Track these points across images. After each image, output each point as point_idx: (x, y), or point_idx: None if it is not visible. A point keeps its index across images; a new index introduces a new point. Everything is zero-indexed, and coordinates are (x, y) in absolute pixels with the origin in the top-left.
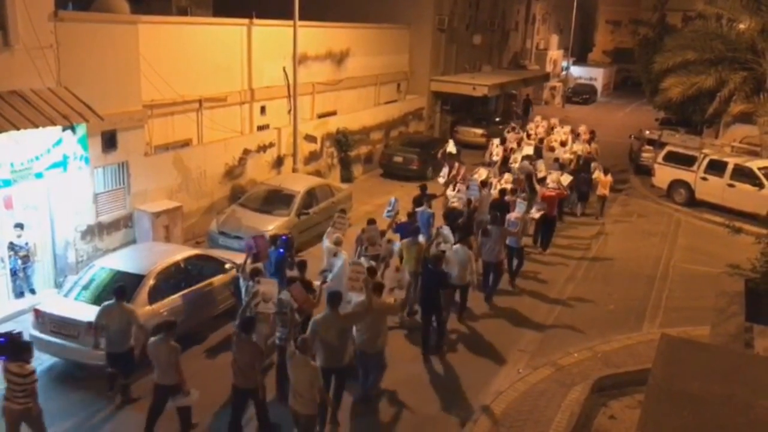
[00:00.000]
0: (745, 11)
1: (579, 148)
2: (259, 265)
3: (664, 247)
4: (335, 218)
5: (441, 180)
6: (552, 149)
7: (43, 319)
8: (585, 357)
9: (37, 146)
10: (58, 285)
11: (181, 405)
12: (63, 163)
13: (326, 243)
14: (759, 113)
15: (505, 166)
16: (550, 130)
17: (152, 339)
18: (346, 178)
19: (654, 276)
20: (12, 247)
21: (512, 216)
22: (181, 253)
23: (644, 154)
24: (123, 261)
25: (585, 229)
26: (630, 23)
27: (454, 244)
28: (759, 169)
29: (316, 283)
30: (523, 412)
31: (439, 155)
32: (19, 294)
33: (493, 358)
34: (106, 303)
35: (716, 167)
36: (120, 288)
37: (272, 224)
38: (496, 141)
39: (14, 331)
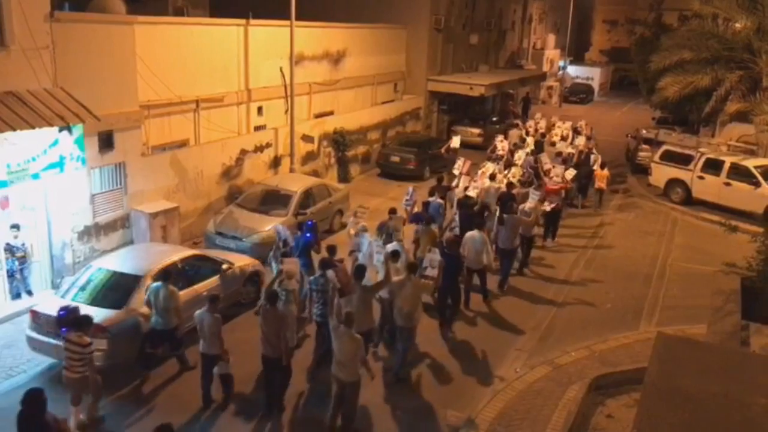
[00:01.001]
0: (741, 11)
1: (580, 142)
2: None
3: (661, 245)
4: (357, 210)
5: (456, 172)
6: (553, 144)
7: (40, 321)
8: (582, 356)
9: (34, 147)
10: (55, 286)
11: (224, 372)
12: (60, 164)
13: (351, 231)
14: (755, 112)
15: (509, 161)
16: (551, 126)
17: (198, 311)
18: (344, 178)
19: (651, 275)
20: (9, 248)
21: (526, 206)
22: (179, 253)
23: (641, 153)
24: (120, 262)
25: (586, 220)
26: (626, 23)
27: (470, 230)
28: (755, 167)
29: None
30: (520, 411)
31: (443, 151)
32: (16, 295)
33: (490, 358)
34: (154, 284)
35: (713, 166)
36: (164, 271)
37: (269, 225)
38: (501, 136)
39: (71, 306)
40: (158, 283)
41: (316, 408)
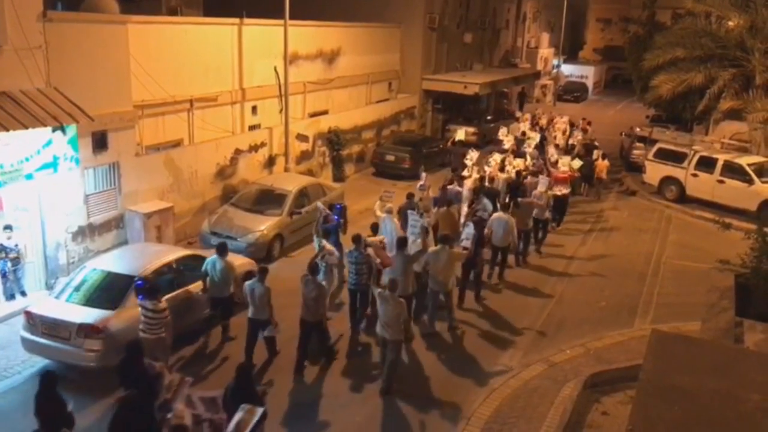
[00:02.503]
0: (734, 9)
1: (579, 136)
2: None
3: (655, 243)
4: (383, 193)
5: (468, 162)
6: (554, 137)
7: (34, 321)
8: (577, 353)
9: (27, 147)
10: (50, 287)
11: (269, 336)
12: (53, 164)
13: (378, 213)
14: (748, 110)
15: (516, 152)
16: (552, 120)
17: (248, 282)
18: (338, 177)
19: (645, 272)
20: (2, 248)
21: (537, 191)
22: (173, 253)
23: (635, 152)
24: (115, 262)
25: (588, 206)
26: (620, 21)
27: (495, 212)
28: (749, 165)
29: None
30: (516, 409)
31: (450, 143)
32: (10, 296)
33: (485, 356)
34: (210, 258)
35: (706, 164)
36: (221, 245)
37: (264, 224)
38: (504, 129)
39: (146, 276)
40: (214, 256)
41: (352, 359)
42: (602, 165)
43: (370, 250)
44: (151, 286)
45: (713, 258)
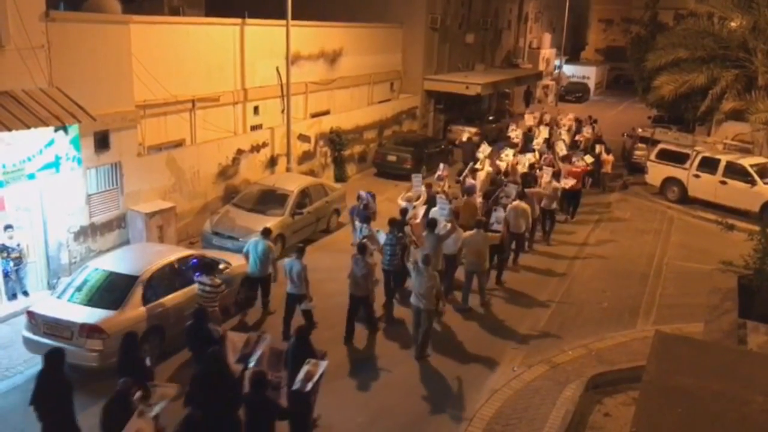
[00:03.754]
0: (737, 9)
1: (589, 132)
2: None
3: (657, 244)
4: (413, 178)
5: (480, 156)
6: (559, 134)
7: (36, 321)
8: (579, 354)
9: (29, 147)
10: (51, 286)
11: (305, 309)
12: (55, 164)
13: (400, 202)
14: (751, 110)
15: (527, 146)
16: (558, 117)
17: (287, 260)
18: (340, 177)
19: (647, 273)
20: (4, 248)
21: (544, 182)
22: (175, 253)
23: (637, 152)
24: (117, 262)
25: (596, 198)
26: (622, 22)
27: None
28: (751, 166)
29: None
30: (518, 410)
31: (457, 142)
32: (12, 296)
33: (487, 357)
34: (253, 239)
35: (708, 164)
36: (265, 229)
37: (266, 224)
38: (513, 125)
39: (201, 254)
40: (257, 238)
41: (389, 329)
42: (607, 159)
43: (408, 228)
44: (205, 263)
45: (715, 259)
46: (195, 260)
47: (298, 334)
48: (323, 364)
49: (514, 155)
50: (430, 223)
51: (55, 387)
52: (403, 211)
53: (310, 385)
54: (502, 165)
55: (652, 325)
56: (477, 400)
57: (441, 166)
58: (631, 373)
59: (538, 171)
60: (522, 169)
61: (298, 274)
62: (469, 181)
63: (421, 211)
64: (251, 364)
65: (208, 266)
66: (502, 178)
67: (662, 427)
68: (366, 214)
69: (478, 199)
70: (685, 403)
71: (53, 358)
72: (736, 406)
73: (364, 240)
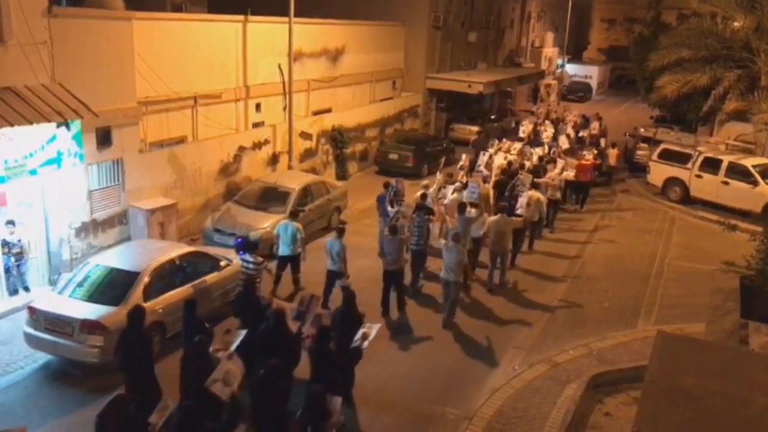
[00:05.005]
0: (740, 9)
1: (596, 128)
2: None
3: (659, 244)
4: (441, 165)
5: (491, 150)
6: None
7: (37, 317)
8: (580, 354)
9: (31, 143)
10: (53, 282)
11: (344, 285)
12: (57, 160)
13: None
14: (753, 111)
15: (535, 141)
16: (565, 113)
17: (329, 240)
18: (342, 175)
19: (649, 273)
20: (5, 244)
21: (553, 173)
22: (176, 250)
23: (639, 152)
24: (118, 258)
25: (602, 190)
26: (625, 21)
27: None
28: (753, 166)
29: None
30: (518, 410)
31: (471, 141)
32: (13, 291)
33: (488, 356)
34: (282, 222)
35: (711, 165)
36: (294, 211)
37: (267, 221)
38: (526, 121)
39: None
40: (287, 220)
41: (417, 300)
42: (612, 153)
43: (442, 208)
44: (248, 242)
45: (717, 259)
46: (239, 240)
47: (345, 298)
48: (376, 327)
49: (521, 149)
50: (461, 207)
51: (135, 341)
52: (423, 196)
53: (366, 344)
54: (511, 158)
55: (654, 325)
56: (477, 398)
57: (463, 156)
58: (633, 373)
59: (546, 164)
60: (530, 163)
61: (337, 252)
62: (484, 173)
63: (449, 193)
64: (307, 323)
65: (252, 244)
66: (518, 168)
67: (663, 428)
68: (398, 199)
69: (491, 189)
70: (687, 403)
71: (134, 316)
72: (737, 407)
73: (395, 222)
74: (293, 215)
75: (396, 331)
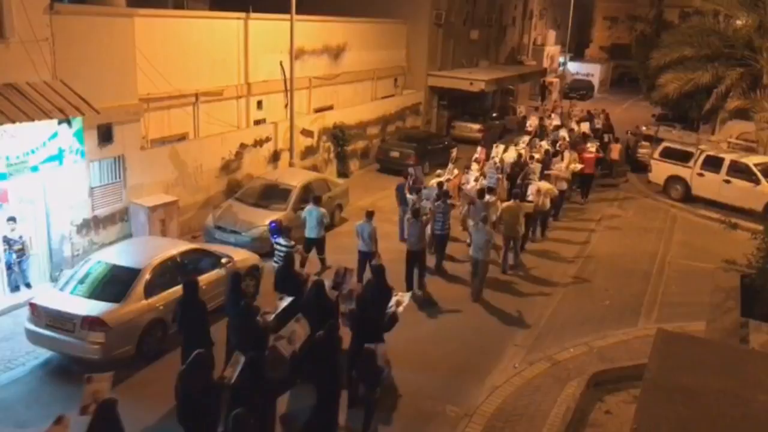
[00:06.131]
0: (742, 8)
1: (598, 122)
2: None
3: (660, 242)
4: (454, 156)
5: (500, 147)
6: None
7: (38, 313)
8: (581, 352)
9: (33, 139)
10: (54, 279)
11: (375, 264)
12: (59, 157)
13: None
14: (755, 109)
15: (541, 135)
16: (571, 109)
17: (359, 223)
18: (343, 172)
19: (650, 271)
20: (6, 240)
21: (561, 165)
22: (178, 247)
23: (641, 150)
24: (119, 255)
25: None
26: (627, 19)
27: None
28: (755, 165)
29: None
30: (519, 407)
31: (482, 139)
32: (15, 288)
33: (489, 353)
34: (308, 207)
35: (712, 163)
36: (316, 197)
37: (269, 219)
38: (534, 115)
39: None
40: (312, 206)
41: (442, 278)
42: (615, 147)
43: (464, 193)
44: (282, 226)
45: (718, 258)
46: (273, 223)
47: (376, 273)
48: (408, 295)
49: (529, 142)
50: (480, 193)
51: (192, 308)
52: (440, 184)
53: (401, 309)
54: (521, 150)
55: (654, 324)
56: (478, 396)
57: (478, 149)
58: (633, 371)
59: (553, 157)
60: (539, 155)
61: (369, 234)
62: (496, 160)
63: (472, 177)
64: (344, 292)
65: (285, 228)
66: (528, 160)
67: (663, 426)
68: (418, 187)
69: (504, 180)
70: (687, 401)
71: (189, 287)
72: (737, 405)
73: (417, 206)
74: (316, 200)
75: (417, 302)
